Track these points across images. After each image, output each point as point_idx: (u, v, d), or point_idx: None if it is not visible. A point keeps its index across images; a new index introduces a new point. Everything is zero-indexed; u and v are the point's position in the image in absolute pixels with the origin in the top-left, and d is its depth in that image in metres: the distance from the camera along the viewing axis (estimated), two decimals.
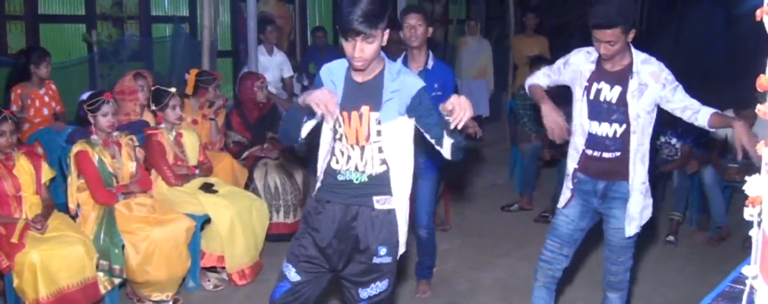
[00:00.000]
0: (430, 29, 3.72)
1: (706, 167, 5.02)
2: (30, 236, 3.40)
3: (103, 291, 3.55)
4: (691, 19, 12.04)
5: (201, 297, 4.02)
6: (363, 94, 2.40)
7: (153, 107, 4.17)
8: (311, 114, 2.36)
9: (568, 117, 3.00)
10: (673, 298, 4.07)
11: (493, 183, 6.77)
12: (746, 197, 1.12)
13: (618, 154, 2.86)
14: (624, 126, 2.83)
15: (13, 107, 4.74)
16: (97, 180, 3.67)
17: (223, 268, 4.13)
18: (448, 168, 5.09)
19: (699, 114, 2.76)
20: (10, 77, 4.98)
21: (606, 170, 2.83)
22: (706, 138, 4.89)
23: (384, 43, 2.33)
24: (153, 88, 4.25)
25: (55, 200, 3.85)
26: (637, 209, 2.90)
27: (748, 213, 1.13)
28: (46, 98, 5.03)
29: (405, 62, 3.67)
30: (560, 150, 2.99)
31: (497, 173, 6.99)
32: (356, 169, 2.45)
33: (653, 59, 2.84)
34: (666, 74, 2.79)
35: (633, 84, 2.79)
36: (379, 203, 2.47)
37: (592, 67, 2.88)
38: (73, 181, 3.72)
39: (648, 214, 2.98)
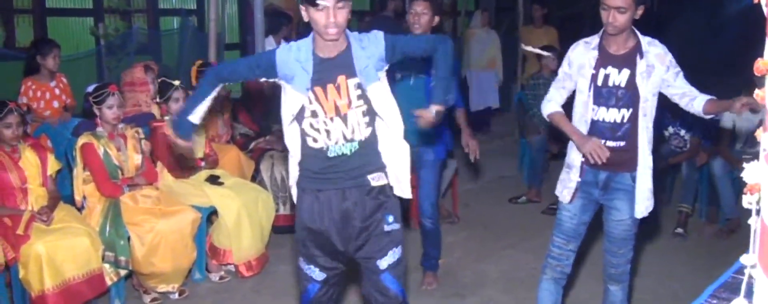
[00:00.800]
0: (437, 18, 3.64)
1: (716, 158, 4.97)
2: (36, 228, 3.42)
3: (108, 283, 3.57)
4: (696, 12, 11.97)
5: (207, 289, 4.04)
6: (334, 67, 2.39)
7: (158, 99, 4.18)
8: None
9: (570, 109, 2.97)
10: (679, 291, 4.03)
11: (500, 175, 6.74)
12: None
13: (622, 143, 2.83)
14: (631, 110, 2.80)
15: (22, 99, 4.74)
16: (103, 172, 3.68)
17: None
18: (457, 158, 5.08)
19: (695, 101, 2.75)
20: (24, 71, 4.99)
21: (609, 159, 2.80)
22: (715, 129, 4.84)
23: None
24: (159, 81, 4.26)
25: (62, 192, 3.88)
26: (646, 186, 2.85)
27: (747, 201, 1.11)
28: (58, 91, 5.03)
29: None
30: (567, 143, 2.95)
31: (505, 164, 6.96)
32: (345, 138, 2.44)
33: (657, 42, 2.82)
34: (670, 57, 2.78)
35: (641, 65, 2.76)
36: (374, 180, 2.48)
37: (595, 53, 2.84)
38: (79, 173, 3.74)
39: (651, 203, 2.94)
